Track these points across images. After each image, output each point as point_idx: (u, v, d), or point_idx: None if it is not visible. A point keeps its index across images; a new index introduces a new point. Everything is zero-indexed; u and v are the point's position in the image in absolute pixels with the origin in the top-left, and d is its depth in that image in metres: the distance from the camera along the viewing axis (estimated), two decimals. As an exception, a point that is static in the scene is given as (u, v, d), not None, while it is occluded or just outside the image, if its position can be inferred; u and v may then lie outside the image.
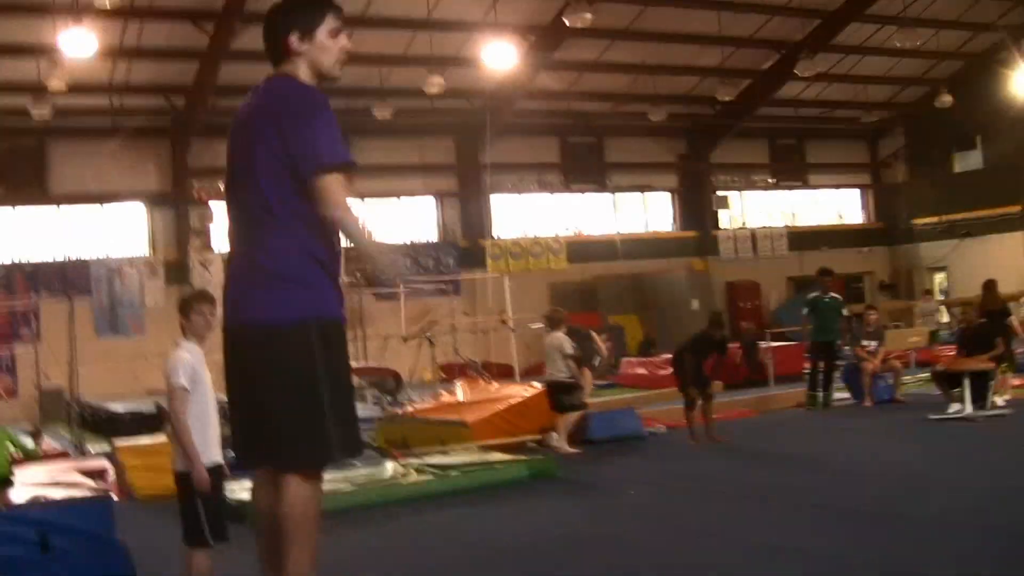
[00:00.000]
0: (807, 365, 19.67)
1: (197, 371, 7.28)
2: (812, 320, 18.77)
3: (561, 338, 15.71)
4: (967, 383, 15.61)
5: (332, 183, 4.82)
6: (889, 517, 9.39)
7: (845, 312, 19.28)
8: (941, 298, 37.83)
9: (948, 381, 16.21)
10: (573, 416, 15.31)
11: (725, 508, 10.63)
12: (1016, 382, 18.28)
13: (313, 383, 4.83)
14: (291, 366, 4.82)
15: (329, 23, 5.17)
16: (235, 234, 5.17)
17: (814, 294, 19.28)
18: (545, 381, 16.18)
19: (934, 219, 39.79)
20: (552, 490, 12.14)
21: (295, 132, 4.87)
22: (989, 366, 16.01)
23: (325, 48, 5.17)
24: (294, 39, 5.11)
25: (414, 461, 13.34)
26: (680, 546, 9.02)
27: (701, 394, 15.25)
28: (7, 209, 29.31)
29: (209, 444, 7.28)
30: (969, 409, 15.47)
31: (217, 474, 7.32)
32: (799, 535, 8.97)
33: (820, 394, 18.41)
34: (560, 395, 15.46)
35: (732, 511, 10.42)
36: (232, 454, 5.76)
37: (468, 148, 33.98)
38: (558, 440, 15.03)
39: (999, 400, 16.23)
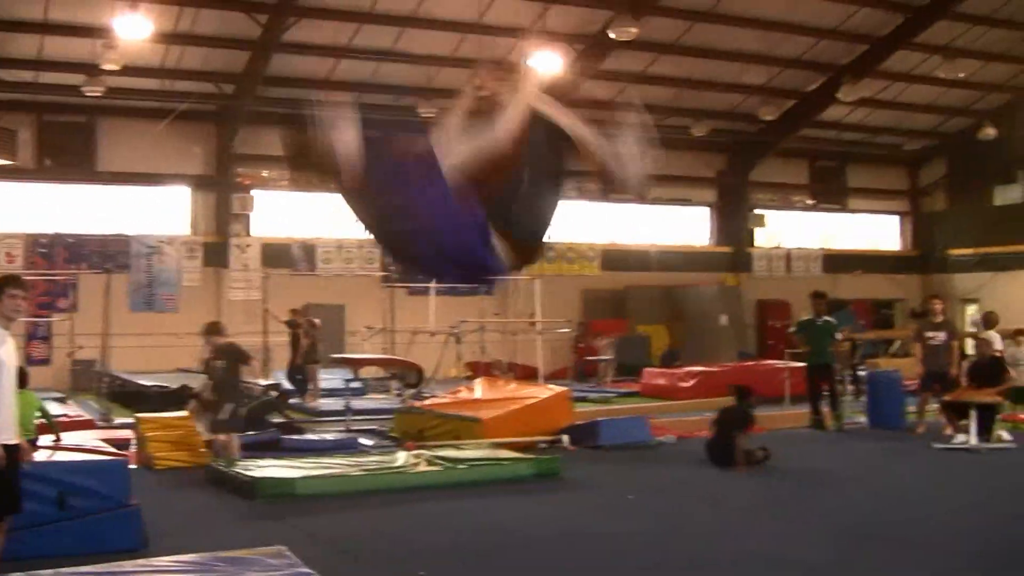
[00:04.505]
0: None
1: None
2: (807, 342, 19.04)
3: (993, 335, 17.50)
4: (973, 415, 15.84)
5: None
6: (881, 536, 9.74)
7: (838, 336, 19.39)
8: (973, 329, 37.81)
9: (956, 412, 16.47)
10: None
11: (722, 516, 10.99)
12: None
13: None
14: None
15: None
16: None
17: (807, 317, 19.51)
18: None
19: (970, 251, 39.79)
20: (555, 489, 12.54)
21: None
22: (996, 400, 16.25)
23: None
24: None
25: (426, 452, 13.73)
26: (671, 549, 9.39)
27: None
28: (54, 184, 29.94)
29: (2, 425, 7.49)
30: (974, 441, 15.70)
31: (9, 453, 7.50)
32: (788, 545, 9.31)
33: (825, 414, 18.51)
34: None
35: (728, 520, 10.78)
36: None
37: (510, 151, 34.26)
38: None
39: (1005, 434, 16.42)
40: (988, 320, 18.61)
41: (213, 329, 14.45)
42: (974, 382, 16.89)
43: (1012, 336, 18.62)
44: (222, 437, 13.77)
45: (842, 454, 16.04)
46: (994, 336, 17.83)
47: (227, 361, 13.85)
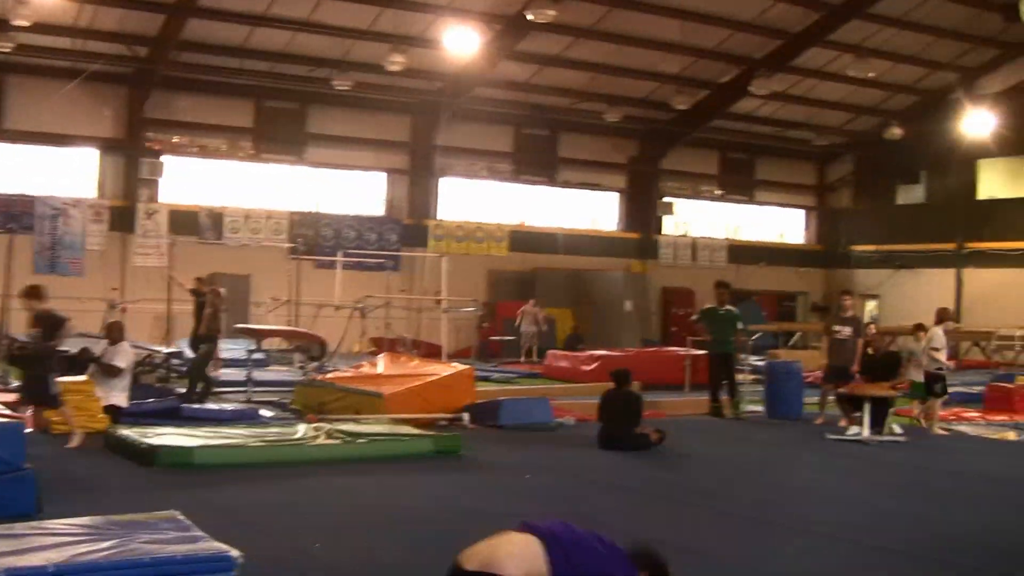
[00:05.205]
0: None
1: None
2: (708, 331, 19.28)
3: (935, 332, 17.75)
4: (867, 408, 16.15)
5: None
6: (774, 524, 9.97)
7: (740, 325, 19.58)
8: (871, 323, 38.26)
9: (851, 404, 16.80)
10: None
11: (615, 499, 11.13)
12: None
13: None
14: None
15: None
16: None
17: (710, 305, 19.76)
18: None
19: (872, 247, 40.58)
20: (453, 467, 12.61)
21: None
22: (890, 393, 16.58)
23: None
24: None
25: (326, 426, 13.73)
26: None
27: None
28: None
29: None
30: (866, 433, 16.00)
31: None
32: (684, 531, 9.44)
33: (724, 402, 18.80)
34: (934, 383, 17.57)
35: (621, 503, 10.92)
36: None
37: (423, 128, 34.26)
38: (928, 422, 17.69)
39: (897, 427, 16.76)
40: (941, 316, 18.71)
41: (31, 293, 13.60)
42: (869, 375, 17.24)
43: (912, 332, 18.82)
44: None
45: (737, 441, 16.28)
46: (937, 333, 17.92)
47: (42, 328, 13.19)
